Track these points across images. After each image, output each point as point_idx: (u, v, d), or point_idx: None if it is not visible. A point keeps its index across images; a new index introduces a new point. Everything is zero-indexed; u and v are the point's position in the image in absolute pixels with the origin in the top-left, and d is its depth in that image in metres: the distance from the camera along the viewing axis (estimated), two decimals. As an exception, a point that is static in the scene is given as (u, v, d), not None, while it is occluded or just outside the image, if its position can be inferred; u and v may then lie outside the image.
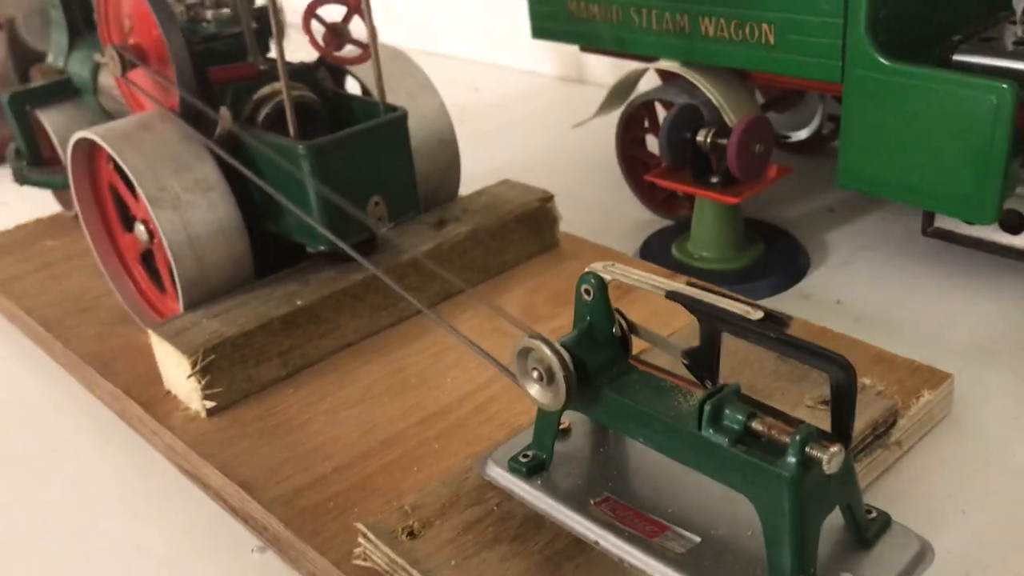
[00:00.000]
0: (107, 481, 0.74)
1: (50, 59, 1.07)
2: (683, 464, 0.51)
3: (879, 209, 1.01)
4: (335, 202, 0.73)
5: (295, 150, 0.74)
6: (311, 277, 0.81)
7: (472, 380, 0.74)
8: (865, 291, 0.88)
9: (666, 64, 0.97)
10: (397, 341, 0.81)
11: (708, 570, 0.51)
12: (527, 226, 0.90)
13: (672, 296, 0.52)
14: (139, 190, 0.75)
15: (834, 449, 0.45)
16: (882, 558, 0.51)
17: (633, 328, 0.56)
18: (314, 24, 0.82)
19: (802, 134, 1.13)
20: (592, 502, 0.56)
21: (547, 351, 0.53)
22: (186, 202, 0.76)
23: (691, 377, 0.56)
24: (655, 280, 0.53)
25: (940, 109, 0.78)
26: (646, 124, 1.05)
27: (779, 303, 0.87)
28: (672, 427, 0.51)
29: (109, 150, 0.77)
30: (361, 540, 0.58)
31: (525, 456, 0.59)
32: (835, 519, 0.52)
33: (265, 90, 0.81)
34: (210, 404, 0.72)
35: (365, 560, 0.58)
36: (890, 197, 0.87)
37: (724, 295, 0.52)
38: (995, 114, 0.74)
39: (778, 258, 0.93)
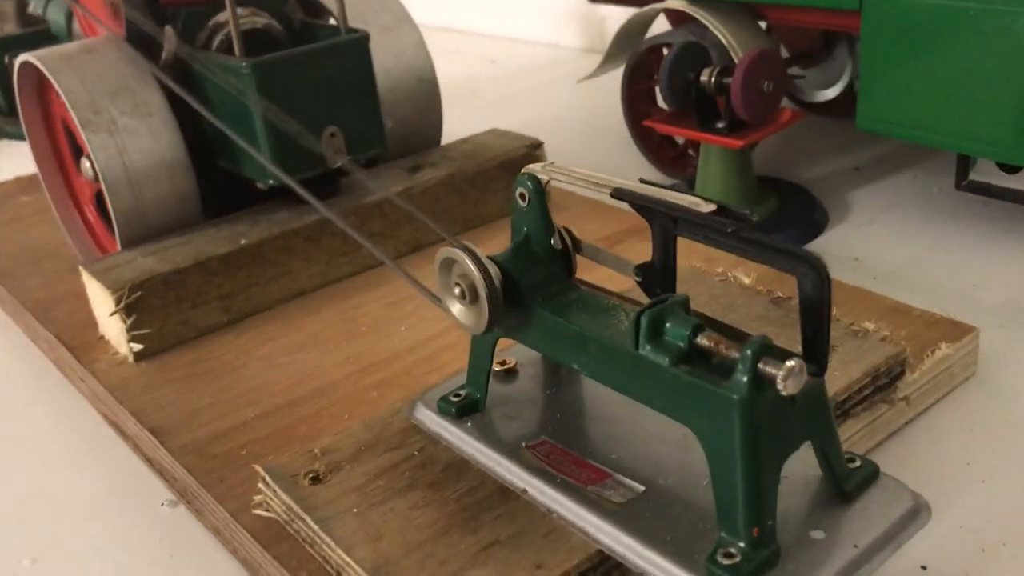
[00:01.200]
0: (34, 430, 0.67)
1: (31, 7, 1.02)
2: (621, 392, 0.43)
3: (911, 167, 0.91)
4: (283, 129, 0.66)
5: (239, 69, 0.67)
6: (263, 218, 0.73)
7: (427, 330, 0.66)
8: (888, 249, 0.78)
9: (673, 3, 0.88)
10: (355, 290, 0.73)
11: (647, 523, 0.42)
12: (511, 174, 0.82)
13: (618, 194, 0.44)
14: (71, 113, 0.69)
15: (791, 363, 0.36)
16: (864, 515, 0.41)
17: (576, 244, 0.48)
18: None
19: (829, 93, 1.02)
20: (525, 446, 0.47)
21: (471, 264, 0.44)
22: (124, 127, 0.69)
23: (644, 300, 0.47)
24: (598, 178, 0.45)
25: (979, 37, 0.68)
26: (654, 75, 0.96)
27: (790, 261, 0.78)
28: (607, 347, 0.42)
29: (44, 70, 0.71)
30: (261, 486, 0.50)
31: (456, 396, 0.51)
32: (812, 469, 0.43)
33: (221, 16, 0.75)
34: (137, 347, 0.65)
35: (267, 510, 0.50)
36: (918, 141, 0.77)
37: (676, 192, 0.43)
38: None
39: (792, 214, 0.83)
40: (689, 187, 0.89)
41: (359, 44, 0.71)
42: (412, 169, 0.80)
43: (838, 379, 0.52)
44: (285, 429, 0.57)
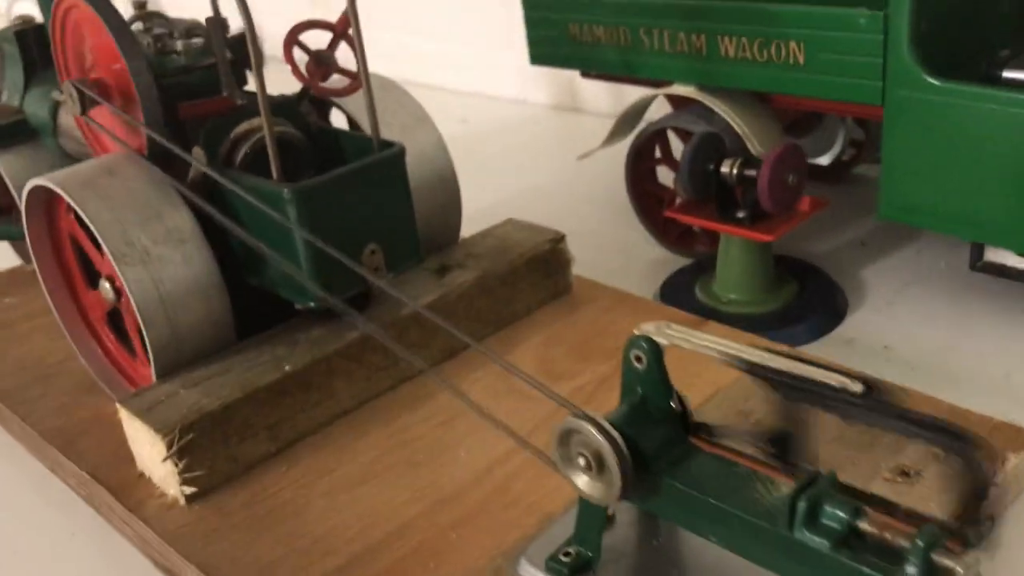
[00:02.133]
0: (73, 580, 0.64)
1: (4, 98, 0.97)
2: (771, 571, 0.42)
3: (915, 241, 0.94)
4: (326, 252, 0.64)
5: (279, 194, 0.65)
6: (300, 337, 0.71)
7: (488, 453, 0.65)
8: (914, 334, 0.79)
9: (680, 89, 0.89)
10: (398, 407, 0.71)
11: None
12: (538, 271, 0.82)
13: (755, 371, 0.44)
14: (103, 245, 0.66)
15: (969, 559, 0.37)
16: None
17: (689, 408, 0.47)
18: (296, 52, 0.73)
19: (823, 160, 1.05)
20: (652, 611, 0.47)
21: (595, 433, 0.44)
22: (157, 257, 0.67)
23: (765, 457, 0.47)
24: (726, 346, 0.45)
25: (995, 131, 0.70)
26: (657, 154, 0.97)
27: (821, 349, 0.79)
28: (756, 527, 0.42)
29: (69, 200, 0.67)
30: (375, 663, 0.48)
31: (567, 555, 0.50)
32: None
33: (243, 127, 0.72)
34: (190, 490, 0.63)
35: None
36: (939, 229, 0.80)
37: (806, 361, 0.43)
38: (1061, 136, 0.66)
39: (813, 299, 0.84)
40: (701, 267, 0.90)
41: (397, 159, 0.70)
42: (439, 271, 0.79)
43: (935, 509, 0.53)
44: (371, 582, 0.56)
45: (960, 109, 0.71)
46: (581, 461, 0.45)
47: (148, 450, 0.64)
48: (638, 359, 0.46)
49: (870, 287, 0.87)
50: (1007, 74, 0.73)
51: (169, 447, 0.62)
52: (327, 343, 0.70)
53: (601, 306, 0.82)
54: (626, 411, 0.46)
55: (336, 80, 0.75)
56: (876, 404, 0.40)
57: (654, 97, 0.94)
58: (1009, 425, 0.62)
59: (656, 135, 0.94)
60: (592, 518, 0.49)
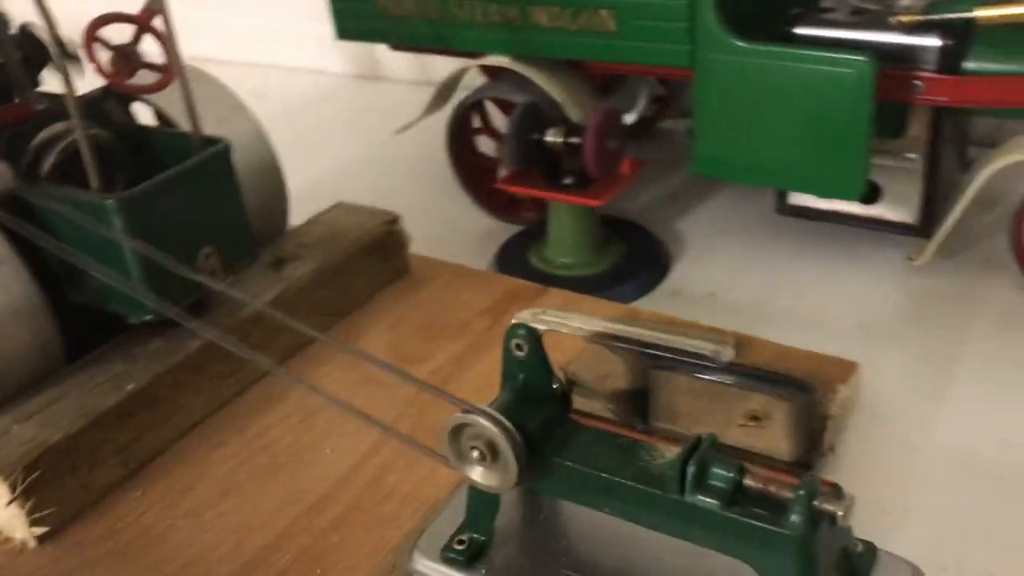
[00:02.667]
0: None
1: None
2: (665, 533, 0.45)
3: (720, 191, 0.99)
4: (159, 262, 0.61)
5: (102, 205, 0.61)
6: (137, 352, 0.67)
7: (355, 448, 0.64)
8: (734, 280, 0.85)
9: (494, 60, 0.89)
10: (250, 412, 0.69)
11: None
12: (375, 254, 0.81)
13: (599, 340, 0.45)
14: (-98, 279, 0.59)
15: (846, 502, 0.40)
16: (882, 594, 0.47)
17: (573, 381, 0.49)
18: (98, 48, 0.68)
19: (628, 119, 1.09)
20: (558, 582, 0.48)
21: (488, 425, 0.44)
22: (-33, 285, 0.61)
23: (634, 421, 0.49)
24: (600, 325, 0.46)
25: (790, 86, 0.75)
26: (477, 124, 0.97)
27: (651, 303, 0.83)
28: (647, 495, 0.44)
29: None
30: None
31: (460, 542, 0.51)
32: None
33: (45, 134, 0.67)
34: (40, 530, 0.59)
35: None
36: (748, 182, 0.85)
37: (683, 326, 0.45)
38: (857, 88, 0.72)
39: (639, 256, 0.88)
40: (532, 234, 0.92)
41: (223, 155, 0.67)
42: (275, 265, 0.77)
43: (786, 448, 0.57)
44: (257, 599, 0.54)
45: (760, 68, 0.75)
46: (475, 453, 0.46)
47: (-18, 495, 0.59)
48: (519, 347, 0.47)
49: (687, 239, 0.92)
50: (799, 31, 0.79)
51: (13, 489, 0.57)
52: (168, 356, 0.67)
53: (441, 283, 0.82)
54: (511, 398, 0.47)
55: (144, 75, 0.70)
56: (727, 365, 0.43)
57: (468, 68, 0.94)
58: (832, 358, 0.67)
59: (474, 106, 0.94)
60: (484, 505, 0.50)
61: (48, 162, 0.66)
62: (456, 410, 0.46)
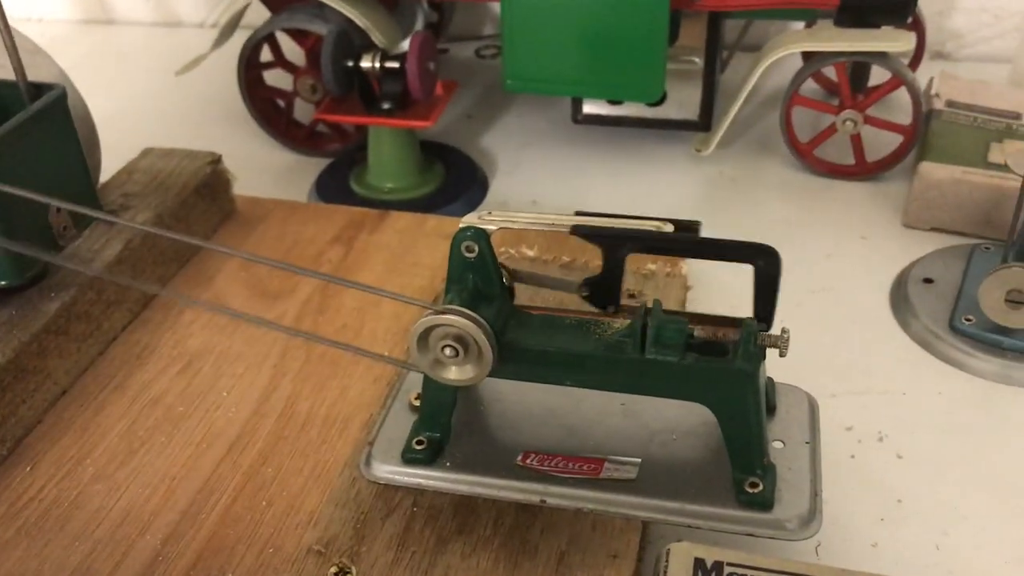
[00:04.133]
0: None
1: None
2: (626, 392, 0.50)
3: (513, 106, 1.04)
4: (11, 222, 0.56)
5: (-56, 165, 0.55)
6: (-12, 323, 0.62)
7: (253, 384, 0.64)
8: (548, 187, 0.91)
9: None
10: (119, 370, 0.66)
11: (666, 485, 0.50)
12: (205, 196, 0.78)
13: (579, 231, 0.50)
14: None
15: (784, 334, 0.48)
16: (789, 417, 0.55)
17: (517, 275, 0.52)
18: None
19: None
20: (517, 463, 0.52)
21: (463, 321, 0.47)
22: None
23: (582, 309, 0.53)
24: (547, 219, 0.50)
25: (576, 2, 0.81)
26: (269, 58, 0.95)
27: (481, 217, 0.87)
28: (609, 360, 0.49)
29: None
30: (284, 605, 0.48)
31: (419, 443, 0.53)
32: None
33: None
34: (-67, 526, 0.54)
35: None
36: (552, 93, 0.91)
37: (618, 216, 0.50)
38: (655, -2, 0.79)
39: (458, 175, 0.92)
40: (348, 163, 0.92)
41: (60, 102, 0.62)
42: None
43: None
44: (212, 541, 0.53)
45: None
46: (447, 351, 0.48)
47: None
48: (469, 249, 0.50)
49: (495, 155, 0.96)
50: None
51: (-102, 485, 0.52)
52: (29, 322, 0.62)
53: (277, 220, 0.81)
54: (468, 296, 0.50)
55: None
56: (682, 237, 0.49)
57: (251, 1, 0.92)
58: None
59: (266, 39, 0.92)
60: (441, 404, 0.52)
61: None
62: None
